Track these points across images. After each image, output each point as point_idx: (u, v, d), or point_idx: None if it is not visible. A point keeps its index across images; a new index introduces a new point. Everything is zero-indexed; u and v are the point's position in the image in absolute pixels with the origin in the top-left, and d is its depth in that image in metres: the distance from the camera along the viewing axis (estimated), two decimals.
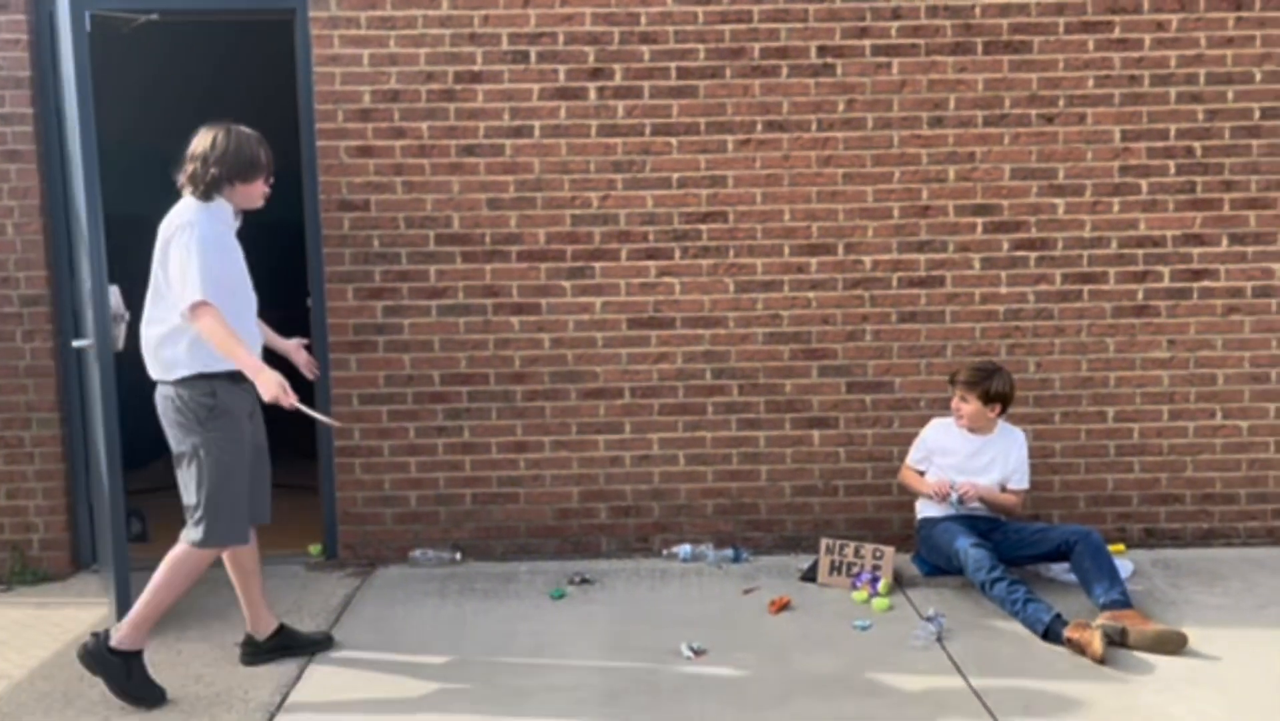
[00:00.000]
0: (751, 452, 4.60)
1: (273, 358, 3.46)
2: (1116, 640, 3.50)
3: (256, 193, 3.38)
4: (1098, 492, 4.61)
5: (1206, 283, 4.54)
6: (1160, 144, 4.49)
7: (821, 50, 4.45)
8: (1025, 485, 4.22)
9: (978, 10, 4.44)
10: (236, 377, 3.28)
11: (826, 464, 4.60)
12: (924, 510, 4.26)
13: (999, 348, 4.54)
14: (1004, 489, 4.18)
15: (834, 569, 4.23)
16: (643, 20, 4.44)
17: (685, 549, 4.54)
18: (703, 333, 4.55)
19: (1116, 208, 4.51)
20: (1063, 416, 4.59)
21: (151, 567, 3.37)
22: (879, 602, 3.99)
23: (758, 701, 3.23)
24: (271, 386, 3.17)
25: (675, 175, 4.49)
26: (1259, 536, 4.61)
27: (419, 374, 4.55)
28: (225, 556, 3.50)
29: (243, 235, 3.44)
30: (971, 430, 4.20)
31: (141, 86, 6.01)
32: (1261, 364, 4.56)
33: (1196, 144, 4.49)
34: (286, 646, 3.60)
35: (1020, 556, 4.03)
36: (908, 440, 4.39)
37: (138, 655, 3.29)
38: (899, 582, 4.18)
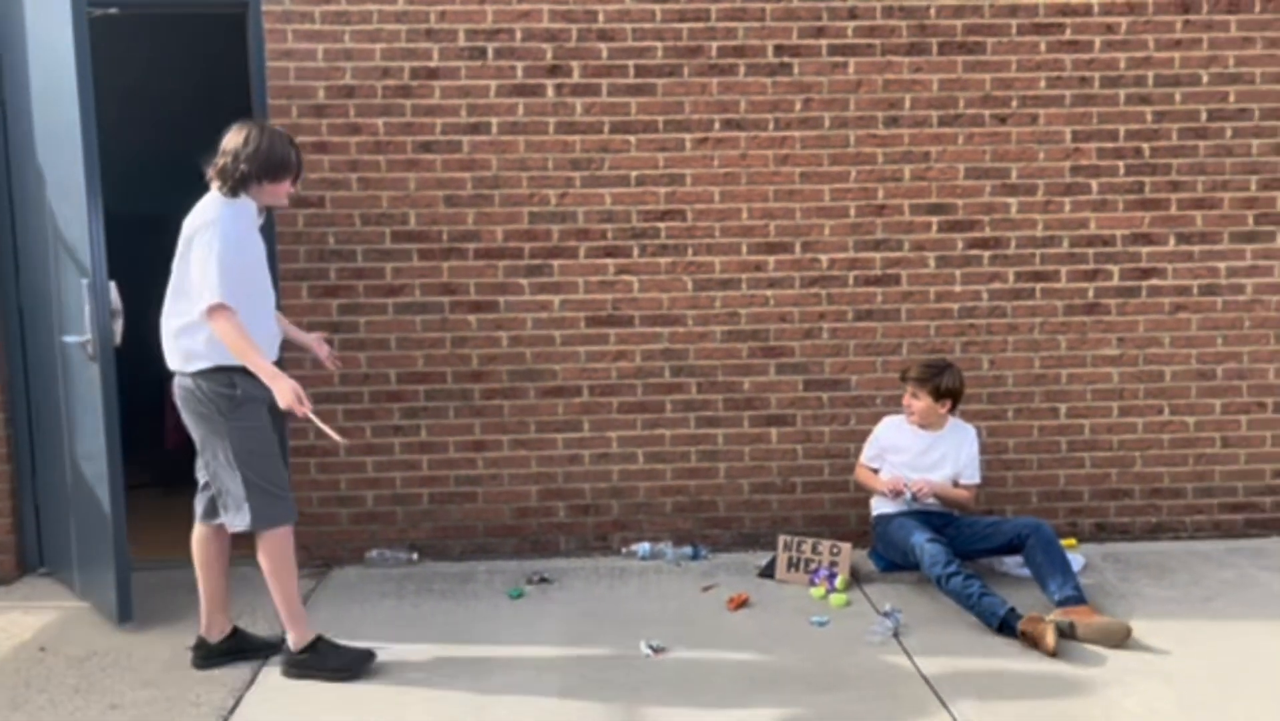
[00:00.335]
0: (710, 450, 4.62)
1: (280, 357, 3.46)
2: (1066, 632, 3.57)
3: (282, 192, 3.42)
4: (1050, 488, 4.69)
5: (1155, 281, 4.62)
6: (1110, 144, 4.56)
7: (779, 49, 4.48)
8: (977, 480, 4.28)
9: (932, 11, 4.49)
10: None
11: (784, 461, 4.63)
12: (879, 506, 4.30)
13: (953, 345, 4.60)
14: (956, 484, 4.23)
15: (792, 565, 4.25)
16: (601, 17, 4.43)
17: (644, 547, 4.54)
18: (661, 330, 4.56)
19: (1068, 207, 4.58)
20: (1016, 413, 4.65)
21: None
22: (836, 598, 4.03)
23: (716, 698, 3.24)
24: (287, 394, 3.21)
25: (634, 173, 4.49)
26: (1205, 530, 4.71)
27: (375, 372, 4.51)
28: (195, 553, 3.51)
29: None
30: (923, 427, 4.24)
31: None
32: (1207, 361, 4.66)
33: (1145, 145, 4.57)
34: (240, 650, 3.55)
35: (974, 550, 4.08)
36: (864, 437, 4.43)
37: (317, 640, 3.43)
38: (856, 578, 4.22)
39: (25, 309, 4.29)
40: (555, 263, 4.51)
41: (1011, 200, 4.57)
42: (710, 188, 4.51)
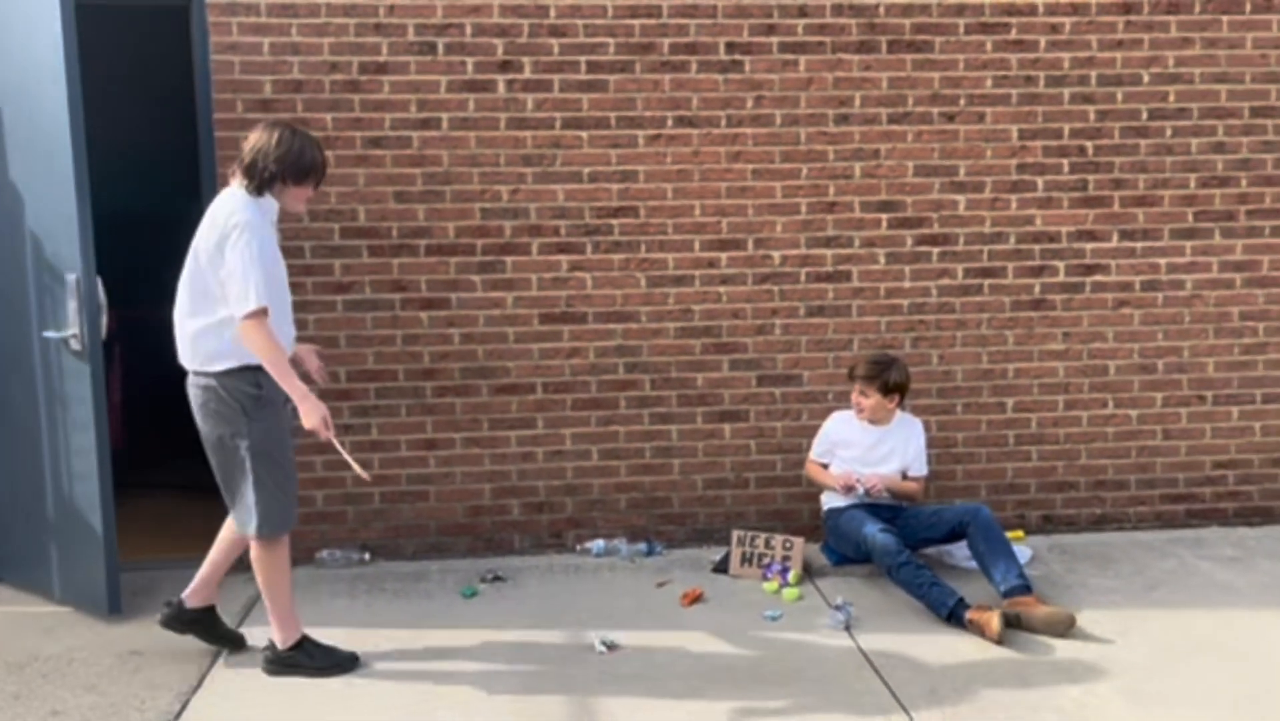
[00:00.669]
0: (664, 446, 4.62)
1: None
2: (1014, 622, 3.63)
3: (303, 196, 3.41)
4: (998, 481, 4.76)
5: (1098, 277, 4.71)
6: (1055, 143, 4.64)
7: (730, 47, 4.49)
8: (925, 472, 4.34)
9: (882, 10, 4.53)
10: None
11: (737, 456, 4.65)
12: (829, 501, 4.34)
13: (903, 341, 4.65)
14: (905, 476, 4.28)
15: (745, 560, 4.27)
16: (552, 13, 4.41)
17: (598, 544, 4.54)
18: (615, 327, 4.55)
19: (1014, 204, 4.65)
20: (964, 407, 4.72)
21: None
22: (789, 593, 4.05)
23: (671, 693, 3.25)
24: (314, 417, 3.22)
25: (586, 169, 4.48)
26: (1148, 521, 4.81)
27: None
28: (224, 530, 3.52)
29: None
30: (871, 422, 4.29)
31: None
32: (1149, 355, 4.76)
33: (1089, 143, 4.65)
34: (207, 627, 3.57)
35: (921, 540, 4.13)
36: (816, 432, 4.46)
37: (303, 640, 3.44)
38: (809, 572, 4.25)
39: None
40: (508, 259, 4.49)
41: (960, 197, 4.63)
42: (663, 184, 4.52)
